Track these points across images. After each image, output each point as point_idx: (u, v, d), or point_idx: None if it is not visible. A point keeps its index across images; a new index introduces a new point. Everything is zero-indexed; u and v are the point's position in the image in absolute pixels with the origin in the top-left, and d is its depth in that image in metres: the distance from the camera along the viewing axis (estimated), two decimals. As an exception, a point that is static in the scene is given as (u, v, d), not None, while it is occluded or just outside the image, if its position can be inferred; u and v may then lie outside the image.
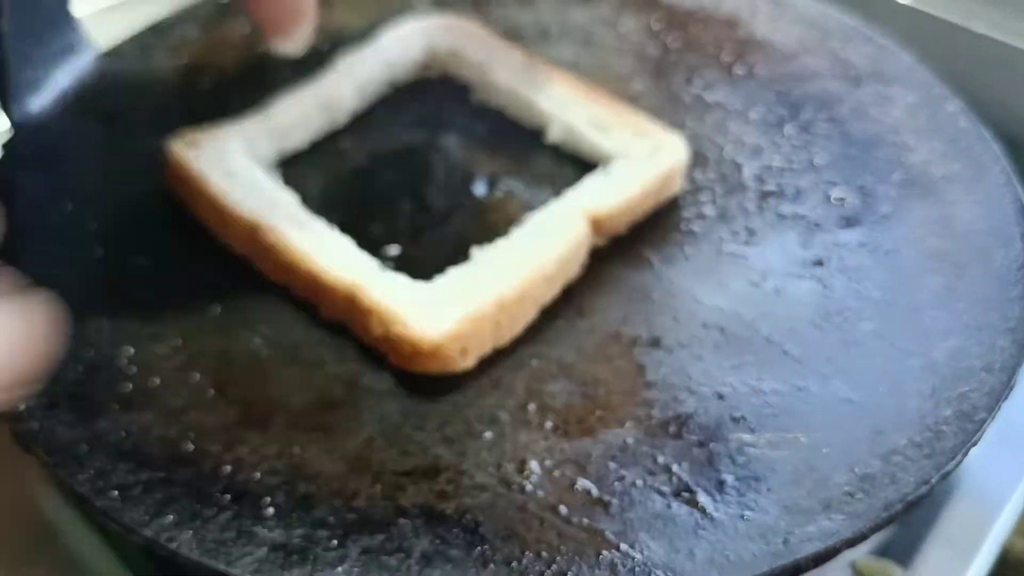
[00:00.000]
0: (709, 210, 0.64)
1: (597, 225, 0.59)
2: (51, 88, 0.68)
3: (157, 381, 0.51)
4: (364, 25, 0.78)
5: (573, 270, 0.58)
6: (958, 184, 0.65)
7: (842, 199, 0.65)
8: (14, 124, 0.66)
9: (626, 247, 0.61)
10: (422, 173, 0.66)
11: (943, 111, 0.71)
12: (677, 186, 0.64)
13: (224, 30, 0.77)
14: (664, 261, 0.60)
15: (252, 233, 0.57)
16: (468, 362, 0.52)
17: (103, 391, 0.50)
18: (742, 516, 0.45)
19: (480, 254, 0.56)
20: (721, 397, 0.52)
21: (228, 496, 0.45)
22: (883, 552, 0.55)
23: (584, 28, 0.80)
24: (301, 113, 0.66)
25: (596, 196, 0.60)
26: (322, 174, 0.66)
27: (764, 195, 0.65)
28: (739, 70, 0.76)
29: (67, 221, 0.61)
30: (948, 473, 0.46)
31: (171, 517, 0.44)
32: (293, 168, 0.66)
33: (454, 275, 0.54)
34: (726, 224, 0.63)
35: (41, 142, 0.66)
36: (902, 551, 0.55)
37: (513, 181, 0.65)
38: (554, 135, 0.67)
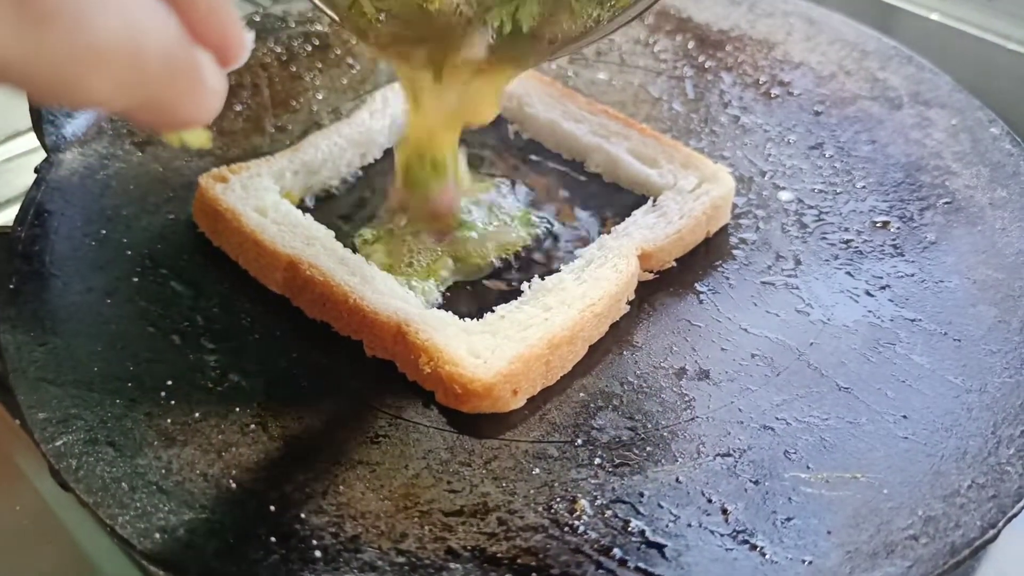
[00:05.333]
0: (751, 235, 0.63)
1: (646, 259, 0.58)
2: (85, 113, 0.67)
3: (197, 415, 0.50)
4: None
5: (623, 307, 0.57)
6: (1005, 210, 0.63)
7: (887, 224, 0.63)
8: (48, 148, 0.65)
9: (670, 275, 0.60)
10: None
11: (986, 135, 0.69)
12: (726, 217, 0.63)
13: (256, 50, 0.76)
14: (709, 289, 0.59)
15: (290, 269, 0.56)
16: (519, 402, 0.51)
17: (143, 425, 0.49)
18: (803, 560, 0.43)
19: (530, 291, 0.55)
20: (773, 432, 0.50)
21: (274, 538, 0.44)
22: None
23: (619, 50, 0.79)
24: (333, 148, 0.65)
25: (646, 231, 0.59)
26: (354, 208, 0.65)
27: (807, 219, 0.64)
28: (776, 91, 0.75)
29: (102, 247, 0.60)
30: (1014, 516, 0.45)
31: (216, 562, 0.43)
32: (326, 203, 0.65)
33: (505, 313, 0.53)
34: (770, 250, 0.62)
35: (75, 167, 0.65)
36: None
37: (556, 213, 0.64)
38: (595, 167, 0.66)
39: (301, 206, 0.63)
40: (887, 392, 0.52)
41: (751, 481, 0.48)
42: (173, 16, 0.31)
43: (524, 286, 0.55)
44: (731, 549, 0.44)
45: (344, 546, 0.44)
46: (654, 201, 0.62)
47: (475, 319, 0.53)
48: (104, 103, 0.30)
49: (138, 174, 0.65)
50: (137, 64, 0.29)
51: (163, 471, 0.47)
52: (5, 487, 0.57)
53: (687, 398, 0.52)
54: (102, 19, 0.28)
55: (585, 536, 0.45)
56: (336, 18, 0.54)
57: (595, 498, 0.47)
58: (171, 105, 0.32)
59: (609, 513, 0.46)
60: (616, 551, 0.44)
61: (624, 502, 0.47)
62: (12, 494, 0.56)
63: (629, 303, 0.57)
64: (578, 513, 0.46)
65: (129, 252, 0.60)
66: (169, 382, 0.52)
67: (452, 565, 0.43)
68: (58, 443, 0.48)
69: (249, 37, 0.36)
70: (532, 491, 0.47)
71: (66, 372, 0.52)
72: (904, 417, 0.51)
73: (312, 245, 0.57)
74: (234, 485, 0.47)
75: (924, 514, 0.45)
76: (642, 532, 0.45)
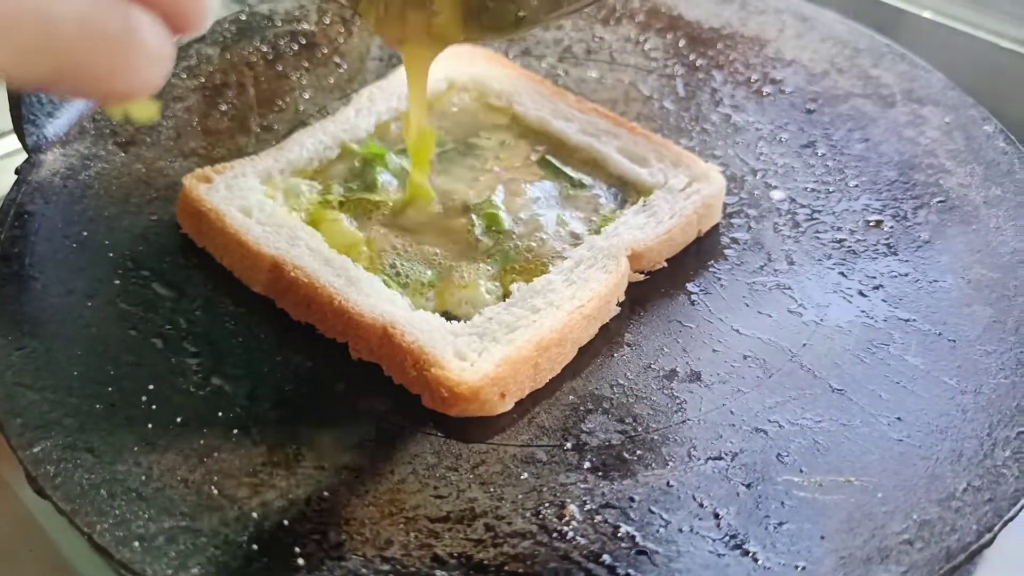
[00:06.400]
0: (743, 235, 0.62)
1: (636, 260, 0.57)
2: (67, 113, 0.66)
3: (179, 420, 0.49)
4: (385, 55, 0.76)
5: (612, 308, 0.56)
6: (1000, 209, 0.63)
7: (880, 223, 0.63)
8: (29, 149, 0.64)
9: (661, 276, 0.59)
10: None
11: (980, 133, 0.69)
12: (717, 217, 0.62)
13: (242, 49, 0.75)
14: (700, 290, 0.58)
15: (275, 271, 0.55)
16: (507, 405, 0.50)
17: (123, 431, 0.48)
18: (796, 566, 0.43)
19: (518, 292, 0.54)
20: (765, 435, 0.50)
21: (256, 546, 0.43)
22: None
23: (609, 48, 0.78)
24: (318, 147, 0.64)
25: (636, 231, 0.58)
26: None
27: (799, 219, 0.63)
28: (767, 89, 0.75)
29: (83, 248, 0.59)
30: (1010, 519, 0.44)
31: (196, 570, 0.42)
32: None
33: (492, 315, 0.52)
34: (762, 250, 0.61)
35: (56, 167, 0.64)
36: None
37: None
38: (586, 166, 0.65)
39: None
40: (881, 394, 0.51)
41: (743, 485, 0.47)
42: None
43: (513, 287, 0.54)
44: (723, 555, 0.43)
45: (328, 554, 0.43)
46: (644, 201, 0.61)
47: (463, 321, 0.52)
48: (8, 76, 0.27)
49: (120, 175, 0.64)
50: (44, 29, 0.26)
51: (143, 477, 0.46)
52: (-16, 494, 0.56)
53: (678, 400, 0.52)
54: None
55: (574, 542, 0.44)
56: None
57: (584, 503, 0.46)
58: (97, 74, 0.28)
59: (599, 518, 0.45)
60: (605, 557, 0.43)
61: (614, 507, 0.46)
62: (-9, 501, 0.55)
63: (619, 304, 0.57)
64: (567, 519, 0.45)
65: (111, 254, 0.59)
66: (150, 386, 0.51)
67: (438, 572, 0.43)
68: (35, 449, 0.47)
69: (213, 1, 0.33)
70: (520, 496, 0.46)
71: (44, 377, 0.51)
72: (898, 419, 0.50)
73: (297, 246, 0.56)
74: (216, 491, 0.46)
75: (919, 518, 0.44)
76: (632, 538, 0.44)
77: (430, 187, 0.60)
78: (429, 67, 0.56)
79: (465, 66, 0.71)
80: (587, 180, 0.63)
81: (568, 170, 0.64)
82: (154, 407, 0.50)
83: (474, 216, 0.59)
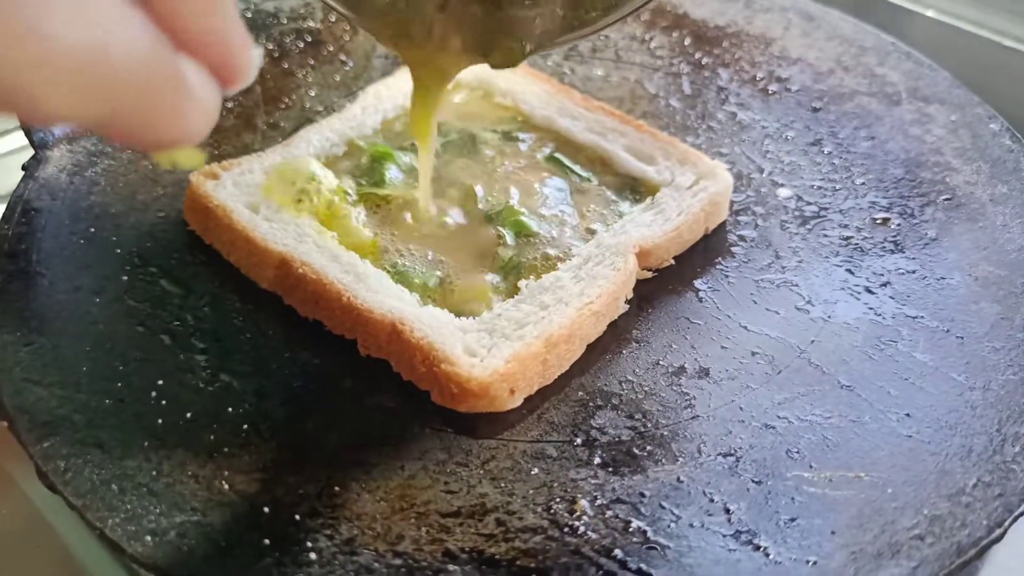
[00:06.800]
0: (750, 232, 0.62)
1: (644, 257, 0.57)
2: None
3: (188, 416, 0.49)
4: (390, 53, 0.76)
5: (621, 305, 0.56)
6: (1006, 206, 0.63)
7: (887, 221, 0.63)
8: (36, 145, 0.64)
9: (669, 273, 0.59)
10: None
11: (986, 131, 0.69)
12: (724, 214, 0.62)
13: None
14: (708, 287, 0.58)
15: (282, 267, 0.55)
16: (516, 401, 0.50)
17: (133, 426, 0.48)
18: (807, 561, 0.43)
19: (527, 289, 0.54)
20: (775, 431, 0.50)
21: (267, 540, 0.43)
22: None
23: (615, 46, 0.78)
24: (324, 143, 0.64)
25: (644, 229, 0.58)
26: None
27: (806, 216, 0.63)
28: (773, 88, 0.75)
29: (90, 245, 0.59)
30: (1021, 515, 0.44)
31: (208, 565, 0.42)
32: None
33: (501, 312, 0.52)
34: (769, 247, 0.61)
35: (63, 164, 0.64)
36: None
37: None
38: (593, 164, 0.65)
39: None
40: (890, 390, 0.51)
41: (753, 481, 0.47)
42: (149, 22, 0.28)
43: (521, 284, 0.54)
44: (734, 550, 0.43)
45: (339, 548, 0.43)
46: (652, 198, 0.61)
47: (472, 317, 0.52)
48: (64, 116, 0.27)
49: (127, 171, 0.64)
50: (101, 72, 0.26)
51: (153, 473, 0.46)
52: (-8, 490, 0.56)
53: (687, 397, 0.52)
54: (59, 22, 0.25)
55: (585, 537, 0.44)
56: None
57: (595, 498, 0.46)
58: (147, 121, 0.29)
59: (609, 514, 0.45)
60: (617, 552, 0.43)
61: (625, 502, 0.46)
62: (-1, 497, 0.55)
63: (628, 301, 0.57)
64: (578, 514, 0.45)
65: (118, 250, 0.59)
66: (159, 382, 0.51)
67: (450, 567, 0.42)
68: (45, 445, 0.47)
69: (256, 54, 0.33)
70: (531, 491, 0.46)
71: (53, 373, 0.51)
72: (907, 415, 0.50)
73: (304, 242, 0.56)
74: (226, 486, 0.46)
75: (929, 513, 0.44)
76: (643, 533, 0.44)
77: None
78: (438, 95, 0.56)
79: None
80: (594, 178, 0.63)
81: (577, 168, 0.64)
82: (163, 403, 0.50)
83: (501, 228, 0.59)
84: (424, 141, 0.57)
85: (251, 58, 0.32)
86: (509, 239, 0.57)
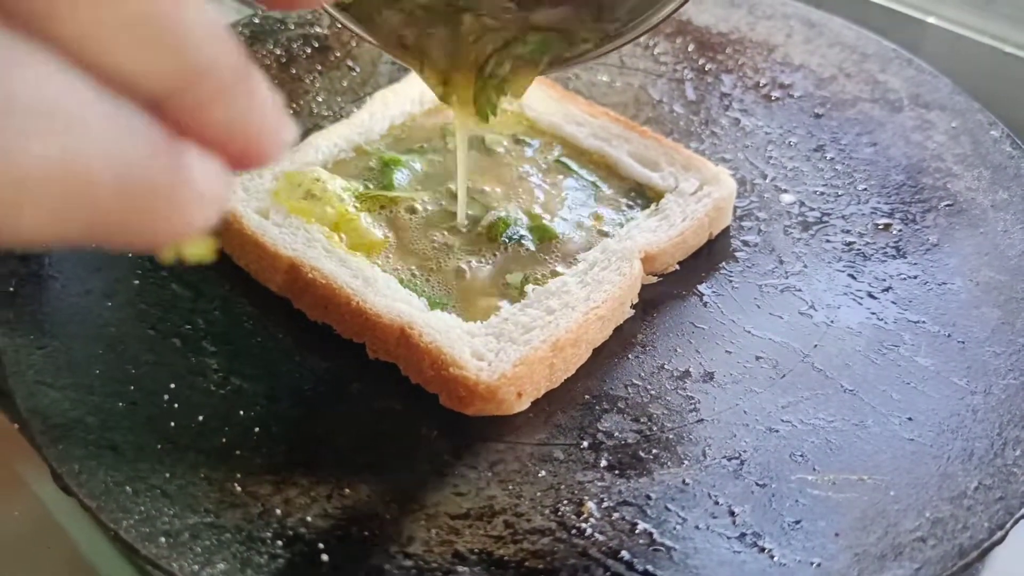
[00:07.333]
0: (754, 238, 0.63)
1: (649, 262, 0.58)
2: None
3: (200, 418, 0.50)
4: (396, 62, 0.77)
5: (626, 310, 0.56)
6: (1007, 212, 0.64)
7: (889, 226, 0.63)
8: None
9: (673, 278, 0.60)
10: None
11: (987, 137, 0.70)
12: (728, 220, 0.63)
13: (255, 52, 0.76)
14: (712, 292, 0.59)
15: (292, 272, 0.55)
16: (523, 405, 0.50)
17: (145, 429, 0.49)
18: (812, 563, 0.43)
19: (533, 294, 0.55)
20: (779, 434, 0.50)
21: (280, 542, 0.44)
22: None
23: (619, 52, 0.79)
24: (332, 150, 0.65)
25: (648, 234, 0.59)
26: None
27: (809, 222, 0.64)
28: (776, 94, 0.75)
29: (101, 248, 0.59)
30: (1021, 517, 0.45)
31: (222, 565, 0.42)
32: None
33: (508, 316, 0.53)
34: (772, 252, 0.62)
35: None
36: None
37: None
38: (598, 170, 0.66)
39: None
40: (892, 394, 0.52)
41: (757, 484, 0.48)
42: (144, 121, 0.23)
43: (528, 288, 0.55)
44: (739, 551, 0.44)
45: (351, 550, 0.44)
46: (656, 204, 0.62)
47: (480, 321, 0.53)
48: (45, 238, 0.23)
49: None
50: (80, 189, 0.22)
51: (167, 475, 0.47)
52: (3, 492, 0.56)
53: (692, 400, 0.52)
54: (33, 142, 0.21)
55: (592, 539, 0.45)
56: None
57: (602, 500, 0.47)
58: (140, 226, 0.24)
59: (616, 516, 0.46)
60: (624, 553, 0.44)
61: (631, 504, 0.47)
62: (11, 499, 0.55)
63: (633, 306, 0.57)
64: (585, 515, 0.46)
65: (129, 254, 0.59)
66: (171, 385, 0.51)
67: (459, 568, 0.43)
68: (60, 447, 0.48)
69: (290, 132, 0.26)
70: (538, 494, 0.47)
71: (66, 375, 0.51)
72: (909, 419, 0.51)
73: (313, 247, 0.57)
74: (239, 488, 0.46)
75: (932, 516, 0.45)
76: (649, 534, 0.45)
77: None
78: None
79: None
80: (601, 183, 0.64)
81: (584, 173, 0.64)
82: (175, 406, 0.50)
83: (522, 231, 0.59)
84: (461, 150, 0.58)
85: (279, 142, 0.26)
86: (531, 244, 0.58)
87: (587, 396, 0.52)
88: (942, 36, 0.88)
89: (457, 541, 0.44)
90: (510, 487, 0.47)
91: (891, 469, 0.48)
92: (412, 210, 0.60)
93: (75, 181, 0.22)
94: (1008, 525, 0.44)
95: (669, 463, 0.49)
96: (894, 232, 0.63)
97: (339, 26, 0.77)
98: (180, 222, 0.25)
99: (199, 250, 0.29)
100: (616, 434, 0.50)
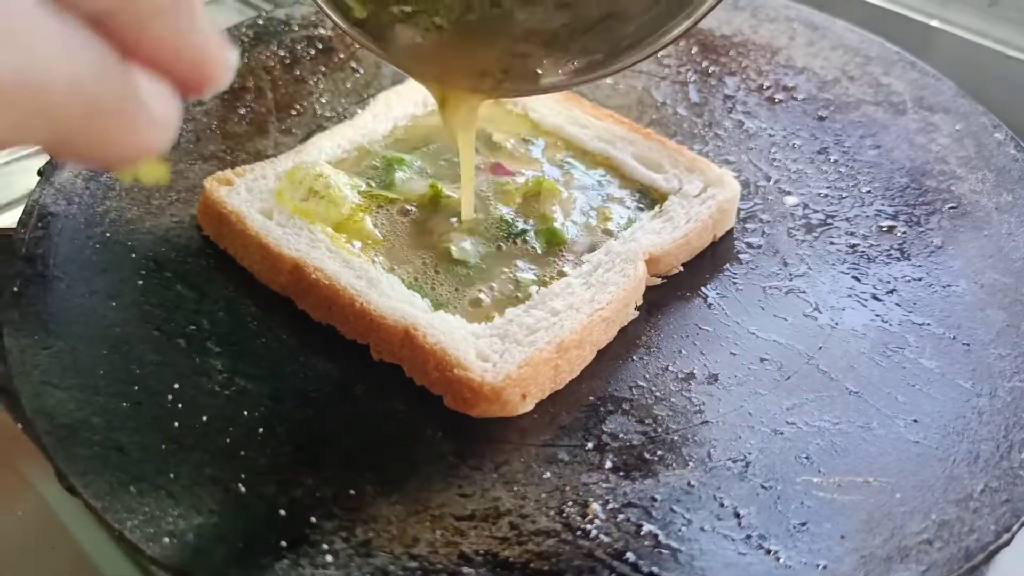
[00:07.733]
0: (758, 240, 0.63)
1: (653, 264, 0.58)
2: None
3: (205, 419, 0.50)
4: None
5: (631, 311, 0.56)
6: (1011, 215, 0.64)
7: (893, 228, 0.63)
8: (51, 151, 0.64)
9: (678, 280, 0.60)
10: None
11: (990, 140, 0.70)
12: (732, 222, 0.63)
13: (260, 54, 0.76)
14: (716, 294, 0.59)
15: (295, 272, 0.55)
16: (528, 406, 0.50)
17: (150, 429, 0.49)
18: (817, 565, 0.43)
19: (538, 295, 0.55)
20: (784, 436, 0.50)
21: (284, 542, 0.44)
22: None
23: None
24: (336, 151, 0.65)
25: (652, 236, 0.59)
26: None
27: (813, 224, 0.64)
28: (780, 96, 0.75)
29: (105, 249, 0.59)
30: (1028, 520, 0.45)
31: (226, 566, 0.42)
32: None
33: (513, 317, 0.53)
34: (776, 254, 0.62)
35: (79, 168, 0.64)
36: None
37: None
38: (600, 171, 0.66)
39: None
40: (897, 396, 0.52)
41: (763, 486, 0.48)
42: (93, 39, 0.26)
43: (532, 290, 0.55)
44: (744, 553, 0.44)
45: (355, 551, 0.44)
46: (660, 206, 0.62)
47: (484, 323, 0.53)
48: (5, 144, 0.25)
49: (142, 176, 0.65)
50: (37, 98, 0.25)
51: (171, 475, 0.47)
52: (8, 492, 0.56)
53: (697, 402, 0.52)
54: None
55: (597, 540, 0.45)
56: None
57: (607, 502, 0.47)
58: (95, 141, 0.27)
59: (621, 517, 0.46)
60: (629, 555, 0.44)
61: (636, 506, 0.47)
62: (15, 499, 0.55)
63: (637, 308, 0.57)
64: (590, 517, 0.46)
65: (133, 255, 0.59)
66: (176, 385, 0.51)
67: (465, 570, 0.43)
68: (64, 447, 0.47)
69: (230, 56, 0.29)
70: (543, 495, 0.47)
71: (71, 376, 0.51)
72: (915, 421, 0.50)
73: (317, 247, 0.57)
74: (243, 489, 0.46)
75: (938, 518, 0.45)
76: (655, 536, 0.45)
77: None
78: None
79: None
80: (607, 185, 0.64)
81: (590, 174, 0.64)
82: (180, 406, 0.50)
83: (533, 234, 0.59)
84: (466, 150, 0.58)
85: (222, 64, 0.29)
86: (539, 248, 0.58)
87: (592, 398, 0.52)
88: (946, 39, 0.89)
89: (462, 542, 0.44)
90: (515, 488, 0.47)
91: (897, 471, 0.48)
92: (411, 210, 0.60)
93: (31, 92, 0.24)
94: (1014, 528, 0.44)
95: (674, 465, 0.49)
96: (898, 234, 0.63)
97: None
98: (133, 141, 0.28)
99: (154, 172, 0.32)
100: (621, 436, 0.50)
